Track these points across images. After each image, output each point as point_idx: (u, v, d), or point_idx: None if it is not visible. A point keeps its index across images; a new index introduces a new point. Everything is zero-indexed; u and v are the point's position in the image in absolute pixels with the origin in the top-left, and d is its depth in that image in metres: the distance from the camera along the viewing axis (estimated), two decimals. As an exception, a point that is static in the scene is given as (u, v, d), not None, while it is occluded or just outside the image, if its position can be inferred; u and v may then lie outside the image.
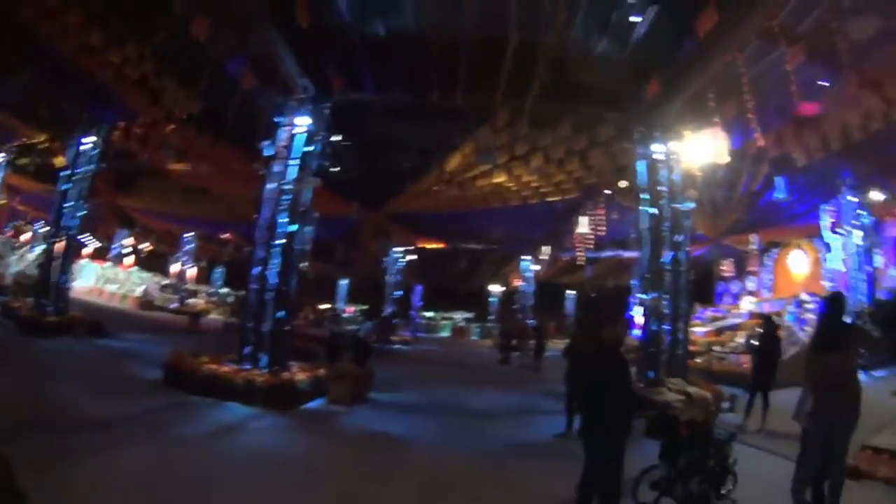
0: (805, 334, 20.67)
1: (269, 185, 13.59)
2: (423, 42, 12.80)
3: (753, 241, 32.10)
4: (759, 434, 11.34)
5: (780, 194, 21.11)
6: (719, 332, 27.02)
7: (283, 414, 11.28)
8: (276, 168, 13.60)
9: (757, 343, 13.45)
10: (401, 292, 39.45)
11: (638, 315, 34.20)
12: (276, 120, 13.83)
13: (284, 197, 13.43)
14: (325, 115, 14.31)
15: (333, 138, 15.10)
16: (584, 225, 26.20)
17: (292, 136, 13.79)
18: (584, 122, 16.45)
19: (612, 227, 26.51)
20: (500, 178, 19.49)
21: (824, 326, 6.52)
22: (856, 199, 22.61)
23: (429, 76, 13.42)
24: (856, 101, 14.88)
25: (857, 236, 22.67)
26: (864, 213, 22.79)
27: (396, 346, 30.94)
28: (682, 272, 15.00)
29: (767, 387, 11.99)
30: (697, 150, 14.62)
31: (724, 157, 14.35)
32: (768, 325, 13.41)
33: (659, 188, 15.03)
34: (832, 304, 6.66)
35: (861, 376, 6.40)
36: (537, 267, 41.19)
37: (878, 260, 24.12)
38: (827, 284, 28.90)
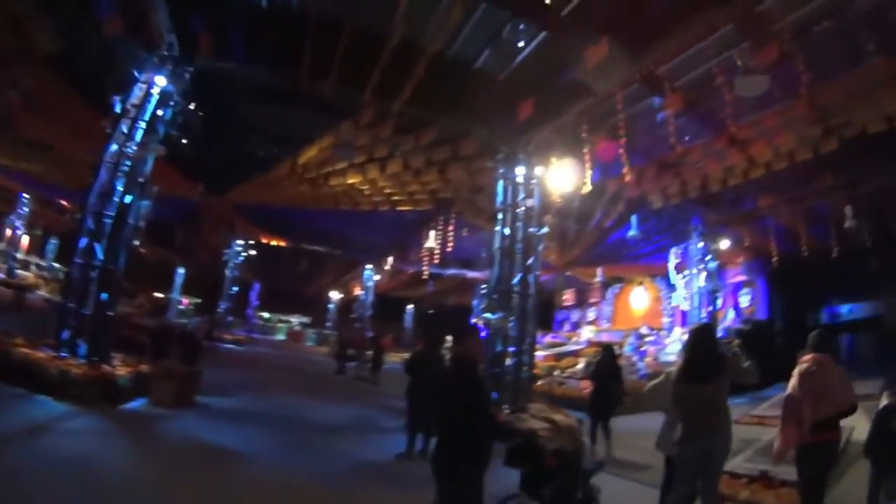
0: (644, 365, 21.66)
1: (111, 147, 12.11)
2: (303, 22, 12.26)
3: (598, 275, 33.28)
4: (607, 461, 11.30)
5: (633, 232, 22.02)
6: (559, 357, 27.79)
7: (98, 414, 9.92)
8: (122, 128, 12.19)
9: (594, 370, 13.39)
10: (237, 289, 37.48)
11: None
12: (132, 75, 12.42)
13: (124, 162, 12.05)
14: (186, 79, 13.05)
15: (188, 107, 13.75)
16: (432, 239, 25.74)
17: (146, 96, 12.46)
18: (449, 135, 16.15)
19: (458, 244, 26.37)
20: (353, 179, 18.81)
21: (693, 356, 6.41)
22: (702, 245, 24.24)
23: (301, 58, 12.73)
24: (721, 155, 15.70)
25: (702, 278, 24.18)
26: (710, 257, 24.30)
27: (229, 345, 29.62)
28: (531, 295, 15.13)
29: (607, 414, 12.03)
30: (560, 177, 14.90)
31: (586, 188, 14.74)
32: (607, 353, 13.48)
33: (517, 210, 15.12)
34: (701, 335, 6.62)
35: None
36: (378, 277, 40.57)
37: (719, 302, 25.79)
38: (666, 320, 31.71)
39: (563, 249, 26.99)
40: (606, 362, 13.04)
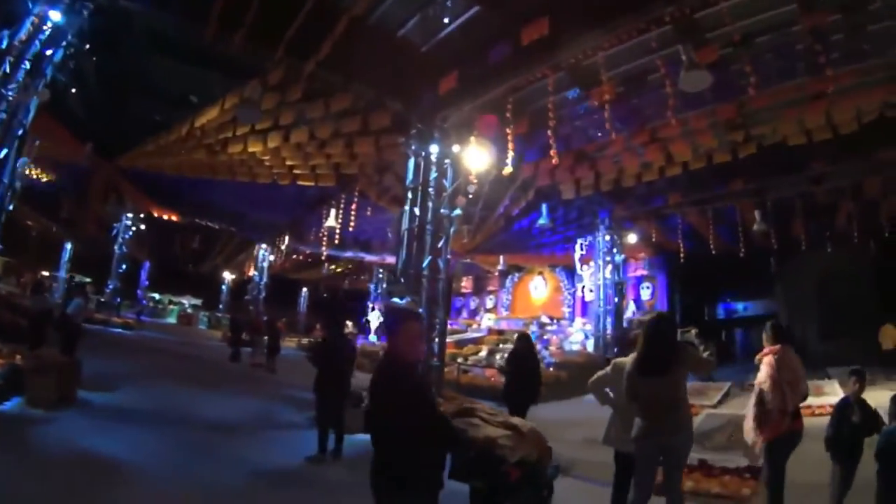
0: (548, 353, 21.54)
1: (-11, 87, 10.31)
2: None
3: (500, 263, 32.93)
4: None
5: (542, 221, 21.53)
6: (460, 344, 27.28)
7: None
8: (4, 66, 10.41)
9: (510, 358, 12.53)
10: (125, 267, 33.76)
11: (374, 319, 34.00)
12: (24, 5, 10.60)
13: (1, 106, 10.33)
14: (84, 16, 11.31)
15: (83, 50, 11.97)
16: (332, 219, 24.21)
17: (37, 31, 10.72)
18: (361, 105, 14.98)
19: (359, 226, 25.46)
20: (254, 148, 17.18)
21: (651, 348, 5.84)
22: (608, 238, 24.32)
23: (213, 4, 11.25)
24: (640, 150, 15.78)
25: (608, 271, 24.16)
26: (616, 251, 24.38)
27: (117, 329, 27.24)
28: (441, 280, 14.31)
29: (526, 403, 11.31)
30: (477, 158, 14.13)
31: (507, 169, 14.24)
32: (524, 341, 12.63)
33: (427, 189, 14.32)
34: (659, 325, 6.05)
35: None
36: (273, 257, 38.26)
37: (622, 294, 25.57)
38: (566, 310, 32.59)
39: (467, 235, 26.28)
40: (524, 350, 12.26)
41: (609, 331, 23.69)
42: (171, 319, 43.45)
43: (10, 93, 10.45)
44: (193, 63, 15.16)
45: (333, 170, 19.09)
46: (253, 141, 16.87)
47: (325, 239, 28.12)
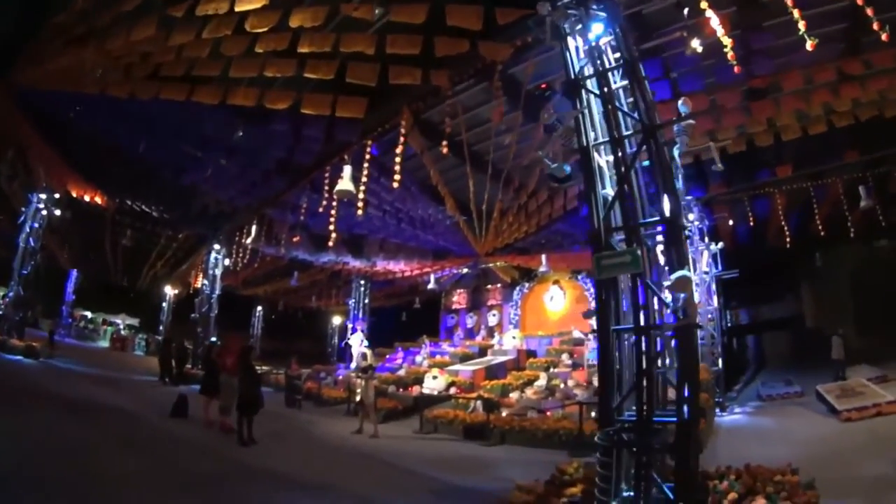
0: None
1: None
2: None
3: (543, 264, 25.64)
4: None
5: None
6: (490, 371, 21.96)
7: None
8: None
9: None
10: (31, 267, 21.12)
11: (356, 343, 25.31)
12: None
13: None
14: None
15: None
16: (347, 179, 14.16)
17: None
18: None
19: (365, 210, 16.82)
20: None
21: None
22: (701, 224, 18.62)
23: None
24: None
25: (704, 263, 18.23)
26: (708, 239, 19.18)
27: (15, 356, 17.78)
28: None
29: None
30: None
31: None
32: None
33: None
34: None
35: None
36: (228, 262, 27.32)
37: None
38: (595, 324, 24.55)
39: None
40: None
41: (718, 342, 17.47)
42: (104, 342, 35.00)
43: None
44: None
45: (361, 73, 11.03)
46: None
47: (295, 235, 20.49)
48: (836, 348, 18.00)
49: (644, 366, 5.98)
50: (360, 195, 14.33)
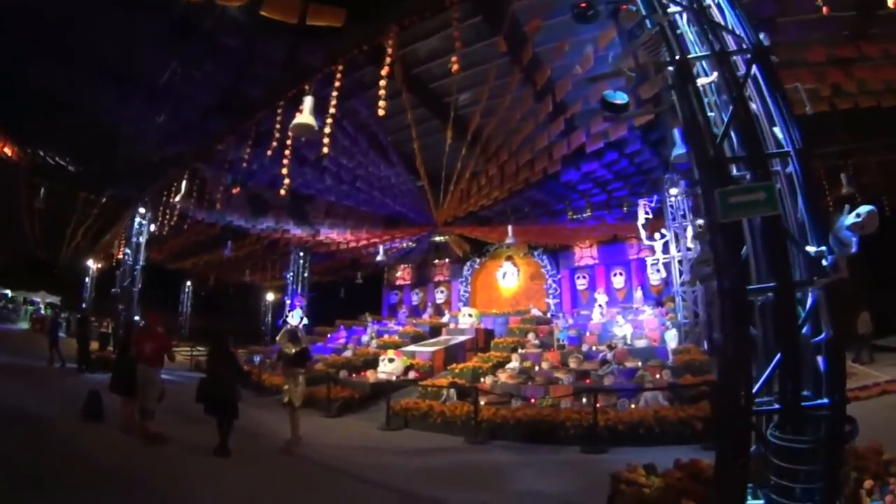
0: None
1: None
2: None
3: (509, 235, 23.05)
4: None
5: (679, 151, 11.42)
6: (449, 351, 20.67)
7: None
8: None
9: None
10: None
11: (295, 320, 23.10)
12: None
13: None
14: None
15: None
16: (308, 110, 10.59)
17: None
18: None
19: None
20: None
21: None
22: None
23: None
24: None
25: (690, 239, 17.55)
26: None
27: None
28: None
29: None
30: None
31: None
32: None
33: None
34: None
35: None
36: (154, 228, 22.92)
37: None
38: (551, 302, 26.82)
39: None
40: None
41: (702, 317, 16.58)
42: (24, 324, 32.29)
43: None
44: None
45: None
46: None
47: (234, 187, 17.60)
48: (864, 323, 16.90)
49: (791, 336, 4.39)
50: (327, 129, 11.54)
